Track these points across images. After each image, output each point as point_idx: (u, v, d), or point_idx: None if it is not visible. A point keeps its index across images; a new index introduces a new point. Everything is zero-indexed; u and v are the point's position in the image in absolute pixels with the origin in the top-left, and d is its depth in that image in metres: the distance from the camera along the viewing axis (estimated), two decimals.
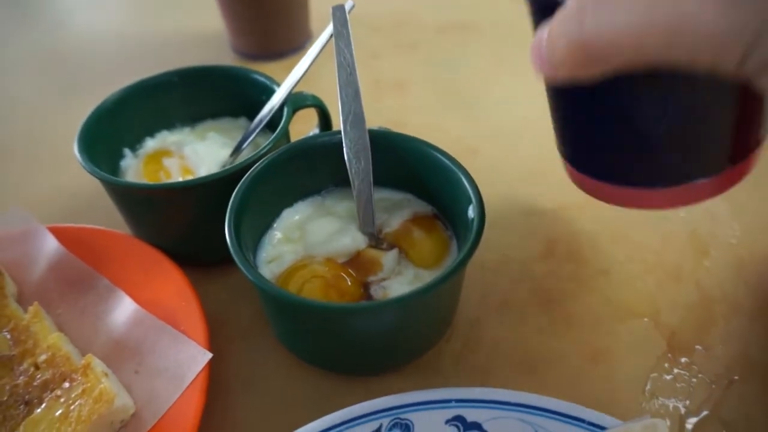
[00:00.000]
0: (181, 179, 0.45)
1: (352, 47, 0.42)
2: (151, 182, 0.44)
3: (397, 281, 0.38)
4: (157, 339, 0.38)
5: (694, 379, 0.39)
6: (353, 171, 0.40)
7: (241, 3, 0.66)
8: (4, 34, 0.80)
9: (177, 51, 0.73)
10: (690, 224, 0.48)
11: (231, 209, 0.36)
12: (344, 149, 0.40)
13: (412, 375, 0.40)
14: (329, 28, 0.44)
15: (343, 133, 0.40)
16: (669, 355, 0.40)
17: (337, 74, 0.41)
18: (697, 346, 0.40)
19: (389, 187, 0.44)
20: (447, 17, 0.78)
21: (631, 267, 0.46)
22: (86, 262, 0.43)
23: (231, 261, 0.46)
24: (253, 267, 0.34)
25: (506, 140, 0.58)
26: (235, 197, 0.37)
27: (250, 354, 0.41)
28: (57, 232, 0.44)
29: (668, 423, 0.36)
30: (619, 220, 0.49)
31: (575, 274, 0.46)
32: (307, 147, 0.41)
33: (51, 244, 0.43)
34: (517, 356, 0.41)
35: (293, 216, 0.43)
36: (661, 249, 0.47)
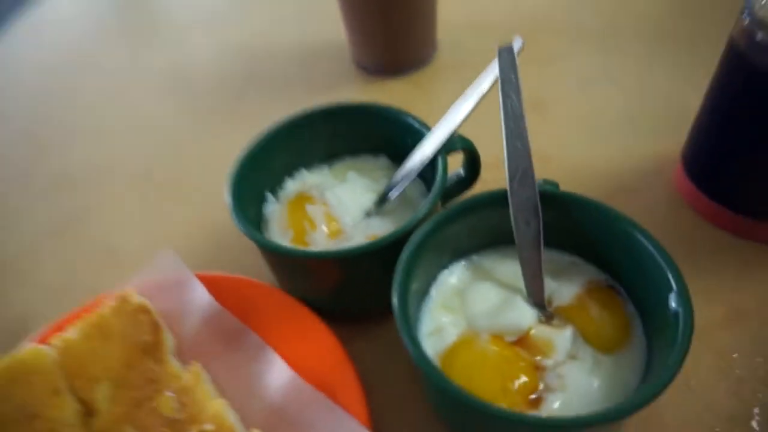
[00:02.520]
0: (325, 228, 0.44)
1: (521, 94, 0.37)
2: (302, 249, 0.42)
3: (575, 368, 0.34)
4: (316, 413, 0.37)
5: None
6: (520, 235, 0.36)
7: (367, 15, 0.62)
8: (134, 56, 0.81)
9: (300, 64, 0.71)
10: None
11: (400, 274, 0.34)
12: (511, 210, 0.36)
13: None
14: (493, 71, 0.39)
15: (509, 192, 0.36)
16: None
17: (503, 124, 0.37)
18: None
19: (553, 248, 0.39)
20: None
21: None
22: (234, 314, 0.42)
23: (378, 315, 0.45)
24: (425, 356, 0.31)
25: None
26: (401, 262, 0.34)
27: (407, 427, 0.39)
28: (206, 281, 0.44)
29: None
30: None
31: None
32: (472, 206, 0.38)
33: (203, 296, 0.43)
34: None
35: (449, 279, 0.39)
36: None
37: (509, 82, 0.37)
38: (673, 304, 0.31)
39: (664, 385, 0.28)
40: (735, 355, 0.40)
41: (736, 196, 0.45)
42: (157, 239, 0.51)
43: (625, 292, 0.37)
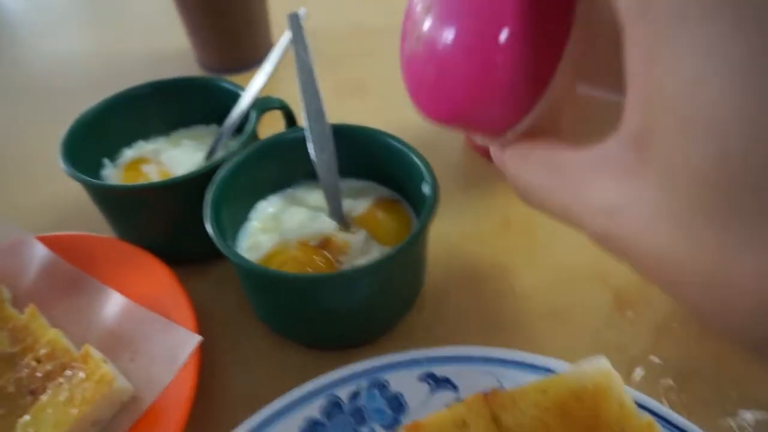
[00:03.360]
0: None
1: (310, 50, 0.46)
2: (129, 183, 0.47)
3: (365, 259, 0.42)
4: (149, 328, 0.41)
5: (639, 329, 0.43)
6: (318, 162, 0.44)
7: (205, 19, 0.69)
8: None
9: (146, 69, 0.76)
10: None
11: (208, 200, 0.40)
12: (308, 143, 0.44)
13: (386, 345, 0.43)
14: (286, 35, 0.48)
15: (307, 128, 0.44)
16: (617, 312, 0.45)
17: (297, 76, 0.45)
18: (640, 302, 0.45)
19: (353, 177, 0.47)
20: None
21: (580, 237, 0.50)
22: (77, 266, 0.46)
23: (213, 256, 0.50)
24: (232, 248, 0.37)
25: None
26: (210, 188, 0.40)
27: (237, 337, 0.44)
28: (45, 241, 0.47)
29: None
30: None
31: (529, 247, 0.50)
32: (275, 143, 0.45)
33: (41, 252, 0.46)
34: (483, 320, 0.45)
35: (268, 208, 0.46)
36: None
37: (299, 41, 0.46)
38: (425, 190, 0.40)
39: (415, 235, 0.36)
40: (504, 252, 0.50)
41: None
42: None
43: (407, 202, 0.46)
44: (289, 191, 0.48)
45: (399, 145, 0.43)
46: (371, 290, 0.39)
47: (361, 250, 0.43)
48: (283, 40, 0.50)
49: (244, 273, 0.39)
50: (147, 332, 0.41)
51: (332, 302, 0.38)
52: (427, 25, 0.22)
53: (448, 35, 0.20)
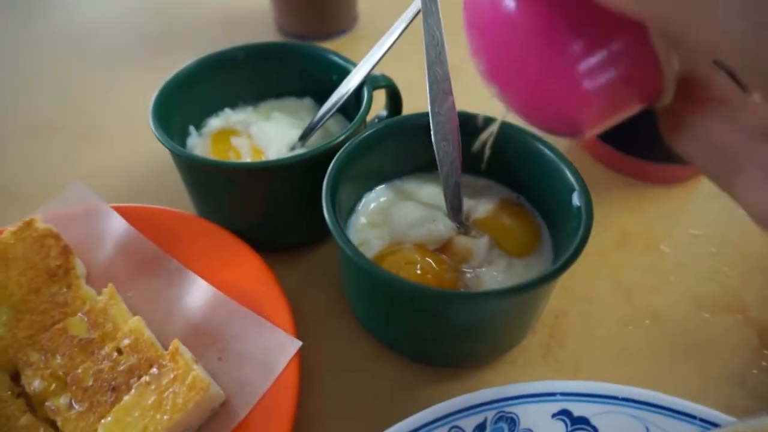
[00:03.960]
0: (250, 160, 0.44)
1: (442, 24, 0.40)
2: (229, 161, 0.42)
3: (490, 270, 0.37)
4: (240, 324, 0.36)
5: None
6: (441, 154, 0.38)
7: None
8: (41, 7, 0.77)
9: (220, 31, 0.71)
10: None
11: (328, 182, 0.35)
12: (432, 131, 0.38)
13: (501, 367, 0.38)
14: (416, 5, 0.42)
15: (431, 114, 0.38)
16: (765, 351, 0.39)
17: (425, 53, 0.39)
18: None
19: (469, 173, 0.42)
20: None
21: (711, 261, 0.45)
22: (155, 243, 0.41)
23: (302, 246, 0.45)
24: (351, 244, 0.32)
25: None
26: (331, 171, 0.35)
27: (333, 339, 0.39)
28: (123, 212, 0.42)
29: None
30: (690, 214, 0.48)
31: (653, 266, 0.45)
32: (392, 129, 0.40)
33: (118, 224, 0.41)
34: (607, 349, 0.39)
35: (375, 200, 0.41)
36: (741, 242, 0.46)
37: (430, 13, 0.40)
38: (576, 201, 0.35)
39: (571, 260, 0.31)
40: (624, 270, 0.44)
41: (624, 140, 0.51)
42: (66, 181, 0.48)
43: (534, 207, 0.40)
44: (398, 183, 0.42)
45: (543, 148, 0.37)
46: (504, 312, 0.33)
47: (484, 259, 0.37)
48: (410, 11, 0.44)
49: (360, 274, 0.34)
50: (238, 329, 0.36)
51: (455, 320, 0.33)
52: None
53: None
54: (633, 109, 0.20)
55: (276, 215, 0.42)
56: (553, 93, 0.19)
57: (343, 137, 0.38)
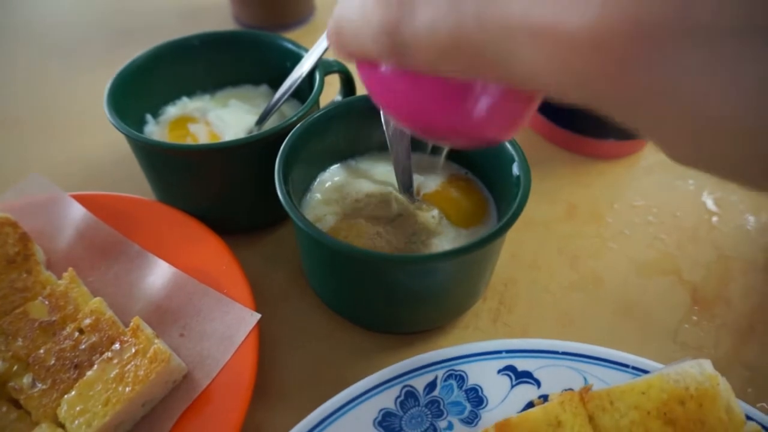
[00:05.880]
0: None
1: None
2: (182, 143, 0.43)
3: (439, 240, 0.39)
4: (200, 302, 0.38)
5: (719, 329, 0.41)
6: (390, 133, 0.40)
7: None
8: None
9: (177, 22, 0.71)
10: (700, 189, 0.51)
11: (280, 161, 0.36)
12: (382, 116, 0.40)
13: (453, 333, 0.40)
14: None
15: None
16: (695, 308, 0.42)
17: None
18: (719, 300, 0.42)
19: (420, 150, 0.44)
20: None
21: (650, 229, 0.48)
22: (115, 229, 0.42)
23: (260, 228, 0.47)
24: (306, 219, 0.34)
25: None
26: (283, 150, 0.37)
27: (293, 314, 0.41)
28: (82, 200, 0.43)
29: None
30: (631, 187, 0.51)
31: (598, 234, 0.47)
32: (343, 110, 0.41)
33: (77, 211, 0.42)
34: (553, 311, 0.42)
35: (329, 179, 0.43)
36: (676, 212, 0.49)
37: None
38: (515, 171, 0.37)
39: (509, 222, 0.33)
40: (570, 239, 0.47)
41: (567, 117, 0.53)
42: (24, 173, 0.49)
43: (480, 180, 0.43)
44: (352, 162, 0.44)
45: None
46: (452, 276, 0.35)
47: (434, 230, 0.39)
48: None
49: (315, 246, 0.35)
50: (198, 306, 0.37)
51: (405, 286, 0.35)
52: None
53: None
54: (529, 106, 0.23)
55: (234, 197, 0.43)
56: (454, 126, 0.23)
57: (295, 118, 0.39)
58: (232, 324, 0.36)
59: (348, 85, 0.49)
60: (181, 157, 0.40)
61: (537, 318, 0.42)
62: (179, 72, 0.48)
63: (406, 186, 0.41)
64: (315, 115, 0.39)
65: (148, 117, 0.47)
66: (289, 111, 0.48)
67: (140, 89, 0.45)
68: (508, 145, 0.38)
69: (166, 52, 0.46)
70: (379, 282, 0.35)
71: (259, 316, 0.36)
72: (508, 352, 0.36)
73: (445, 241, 0.39)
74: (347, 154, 0.44)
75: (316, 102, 0.43)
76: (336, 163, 0.44)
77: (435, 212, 0.40)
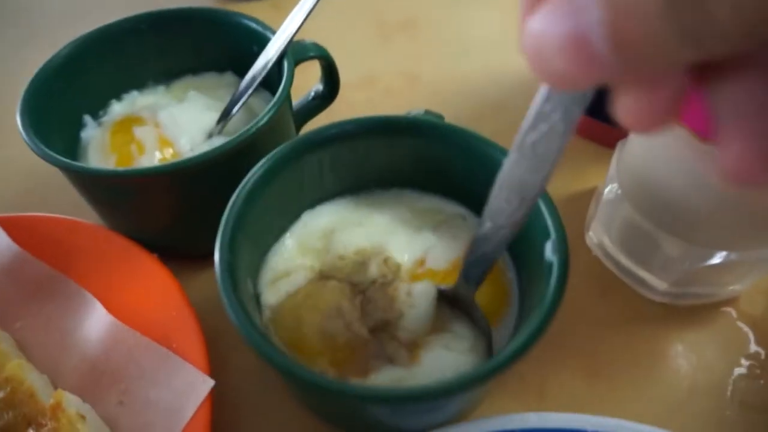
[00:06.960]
0: (158, 153, 0.37)
1: None
2: (120, 168, 0.34)
3: (434, 339, 0.29)
4: (143, 360, 0.31)
5: None
6: (496, 205, 0.23)
7: None
8: None
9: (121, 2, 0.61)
10: None
11: (223, 235, 0.27)
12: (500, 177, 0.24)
13: None
14: None
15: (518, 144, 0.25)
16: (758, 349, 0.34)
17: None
18: None
19: (436, 193, 0.34)
20: None
21: None
22: (47, 261, 0.35)
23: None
24: (254, 328, 0.25)
25: None
26: (230, 212, 0.28)
27: (251, 378, 0.33)
28: (7, 225, 0.36)
29: None
30: None
31: None
32: (337, 134, 0.31)
33: (1, 241, 0.35)
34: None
35: (316, 221, 0.33)
36: None
37: None
38: (548, 253, 0.27)
39: (513, 357, 0.23)
40: None
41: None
42: None
43: (508, 255, 0.32)
44: (354, 200, 0.34)
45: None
46: (421, 415, 0.27)
47: (413, 328, 0.29)
48: None
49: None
50: (142, 367, 0.30)
51: (375, 415, 0.27)
52: None
53: None
54: None
55: (189, 221, 0.35)
56: None
57: (254, 129, 0.31)
58: (180, 391, 0.29)
59: (330, 72, 0.40)
60: (116, 185, 0.32)
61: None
62: (124, 62, 0.40)
63: (469, 280, 0.28)
64: (281, 151, 0.29)
65: (87, 119, 0.39)
66: (258, 105, 0.40)
67: (70, 88, 0.37)
68: (545, 211, 0.27)
69: (102, 40, 0.38)
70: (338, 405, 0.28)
71: (212, 383, 0.29)
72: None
73: (440, 346, 0.29)
74: (346, 189, 0.34)
75: (287, 97, 0.35)
76: (332, 199, 0.34)
77: (430, 301, 0.30)
